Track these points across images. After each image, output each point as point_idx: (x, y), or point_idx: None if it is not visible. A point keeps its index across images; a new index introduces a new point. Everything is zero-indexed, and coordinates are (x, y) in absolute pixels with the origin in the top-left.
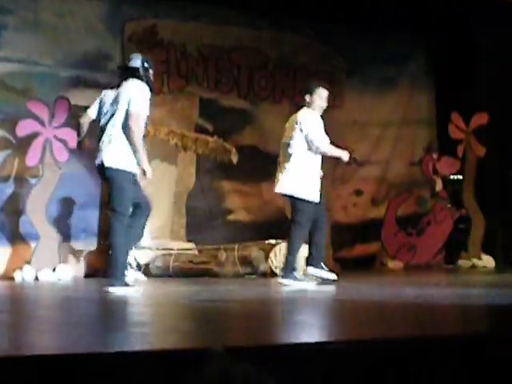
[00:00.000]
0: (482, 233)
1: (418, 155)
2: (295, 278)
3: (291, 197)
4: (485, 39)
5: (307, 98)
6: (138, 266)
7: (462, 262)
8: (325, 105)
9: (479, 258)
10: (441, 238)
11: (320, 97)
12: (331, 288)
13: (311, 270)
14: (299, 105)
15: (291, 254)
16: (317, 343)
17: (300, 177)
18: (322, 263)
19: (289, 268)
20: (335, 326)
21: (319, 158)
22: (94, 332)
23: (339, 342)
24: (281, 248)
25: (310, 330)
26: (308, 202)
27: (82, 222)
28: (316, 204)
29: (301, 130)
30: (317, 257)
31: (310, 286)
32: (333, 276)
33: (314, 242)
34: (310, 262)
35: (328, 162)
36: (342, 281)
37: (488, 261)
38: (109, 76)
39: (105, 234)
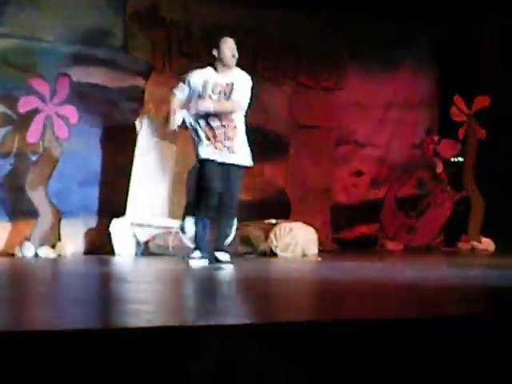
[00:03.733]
0: (481, 216)
1: (419, 137)
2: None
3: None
4: (488, 22)
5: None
6: (138, 244)
7: (462, 245)
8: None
9: (479, 241)
10: (440, 221)
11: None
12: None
13: None
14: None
15: None
16: (313, 322)
17: None
18: None
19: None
20: (333, 306)
21: None
22: (94, 308)
23: (333, 322)
24: (281, 228)
25: (306, 309)
26: None
27: (82, 199)
28: None
29: None
30: None
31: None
32: None
33: None
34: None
35: (329, 143)
36: (340, 261)
37: (488, 244)
38: (110, 52)
39: (104, 211)
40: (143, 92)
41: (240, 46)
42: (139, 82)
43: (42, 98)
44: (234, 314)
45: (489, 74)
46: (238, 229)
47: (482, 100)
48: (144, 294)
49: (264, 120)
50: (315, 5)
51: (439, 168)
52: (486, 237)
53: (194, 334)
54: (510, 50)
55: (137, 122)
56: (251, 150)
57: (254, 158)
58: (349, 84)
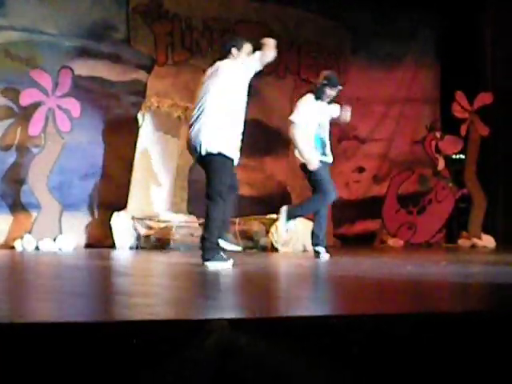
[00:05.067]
0: (482, 213)
1: (421, 133)
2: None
3: None
4: (491, 19)
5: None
6: (139, 238)
7: (462, 242)
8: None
9: (479, 238)
10: (442, 217)
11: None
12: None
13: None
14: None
15: None
16: (314, 317)
17: None
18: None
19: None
20: (332, 301)
21: None
22: (96, 301)
23: (336, 317)
24: (280, 223)
25: (308, 304)
26: None
27: (83, 193)
28: None
29: None
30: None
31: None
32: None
33: None
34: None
35: (330, 138)
36: (342, 256)
37: (488, 241)
38: (113, 46)
39: (105, 204)
40: (145, 86)
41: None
42: (141, 75)
43: (44, 91)
44: (234, 308)
45: (491, 70)
46: (238, 224)
47: (485, 97)
48: (144, 288)
49: (265, 115)
50: None
51: (441, 165)
52: (486, 234)
53: (195, 328)
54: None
55: (139, 116)
56: (253, 145)
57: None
58: (351, 79)
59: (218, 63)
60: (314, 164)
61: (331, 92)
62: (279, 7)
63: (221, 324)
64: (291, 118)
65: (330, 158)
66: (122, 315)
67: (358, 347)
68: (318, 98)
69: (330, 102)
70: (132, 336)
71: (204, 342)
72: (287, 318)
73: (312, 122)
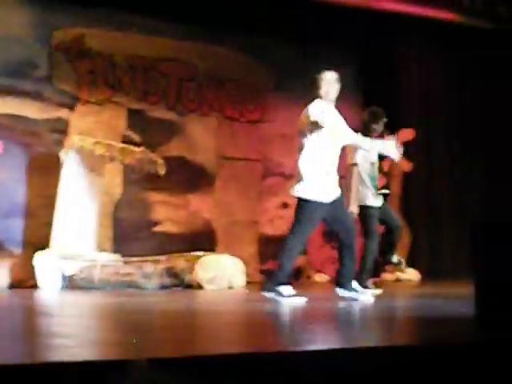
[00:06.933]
0: (407, 246)
1: (345, 169)
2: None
3: None
4: (412, 57)
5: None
6: (63, 278)
7: (387, 275)
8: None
9: (403, 272)
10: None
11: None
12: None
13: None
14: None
15: None
16: (233, 355)
17: None
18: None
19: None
20: (247, 338)
21: None
22: (16, 343)
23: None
24: (207, 260)
25: (228, 342)
26: None
27: (5, 232)
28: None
29: None
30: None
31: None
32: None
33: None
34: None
35: (255, 175)
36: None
37: (413, 274)
38: (35, 84)
39: (28, 244)
40: (68, 123)
41: (165, 78)
42: (64, 113)
43: None
44: (154, 347)
45: (414, 107)
46: (164, 261)
47: (407, 133)
48: (66, 329)
49: (189, 152)
50: (239, 37)
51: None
52: (411, 267)
53: (114, 368)
54: (433, 82)
55: (61, 154)
56: (177, 182)
57: (180, 190)
58: (274, 116)
59: None
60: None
61: (377, 127)
62: (202, 45)
63: (140, 364)
64: (352, 161)
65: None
66: (42, 357)
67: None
68: (365, 135)
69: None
70: (51, 378)
71: (124, 382)
72: (207, 357)
73: (366, 161)
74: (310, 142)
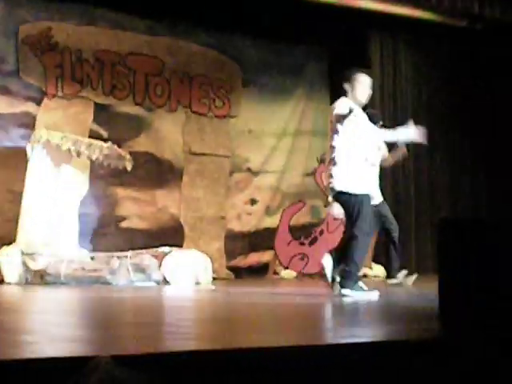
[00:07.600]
0: (373, 243)
1: (312, 165)
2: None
3: None
4: (380, 53)
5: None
6: (29, 273)
7: None
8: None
9: (370, 268)
10: (333, 248)
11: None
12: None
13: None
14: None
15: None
16: (199, 352)
17: None
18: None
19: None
20: (215, 335)
21: None
22: None
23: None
24: (174, 256)
25: (194, 338)
26: None
27: None
28: None
29: None
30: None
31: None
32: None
33: None
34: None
35: (223, 171)
36: (232, 289)
37: (378, 270)
38: (1, 78)
39: None
40: (35, 118)
41: (132, 73)
42: (31, 107)
43: None
44: (121, 343)
45: (380, 103)
46: (130, 257)
47: None
48: (30, 325)
49: (156, 147)
50: (207, 32)
51: (331, 196)
52: (377, 263)
53: (78, 365)
54: (399, 79)
55: (28, 149)
56: (144, 177)
57: (147, 186)
58: (242, 112)
59: None
60: None
61: None
62: (170, 40)
63: (104, 360)
64: None
65: None
66: (4, 354)
67: (239, 380)
68: None
69: None
70: (12, 375)
71: (87, 379)
72: (171, 353)
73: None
74: (342, 137)
